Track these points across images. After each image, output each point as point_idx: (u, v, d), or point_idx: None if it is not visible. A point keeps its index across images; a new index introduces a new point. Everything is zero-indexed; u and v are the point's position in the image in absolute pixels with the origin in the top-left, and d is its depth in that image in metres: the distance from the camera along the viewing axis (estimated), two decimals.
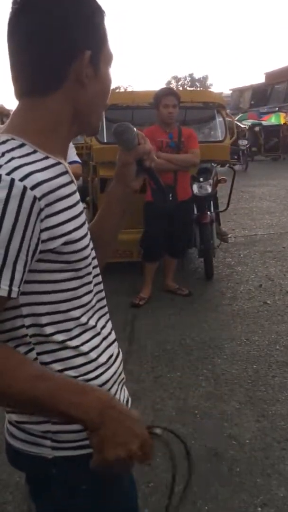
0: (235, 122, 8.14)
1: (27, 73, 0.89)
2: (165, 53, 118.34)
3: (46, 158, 0.87)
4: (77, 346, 0.93)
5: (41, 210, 0.81)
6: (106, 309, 1.05)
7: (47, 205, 0.82)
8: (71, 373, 0.92)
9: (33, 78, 0.89)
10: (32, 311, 0.88)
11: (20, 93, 0.91)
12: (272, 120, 19.06)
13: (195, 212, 4.60)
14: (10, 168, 0.79)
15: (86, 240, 0.93)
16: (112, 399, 0.89)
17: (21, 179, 0.79)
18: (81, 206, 0.94)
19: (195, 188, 4.57)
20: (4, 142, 0.85)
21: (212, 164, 5.04)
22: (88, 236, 0.96)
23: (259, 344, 3.47)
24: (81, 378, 0.93)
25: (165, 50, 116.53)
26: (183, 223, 4.24)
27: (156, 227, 4.12)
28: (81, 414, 0.82)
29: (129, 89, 28.84)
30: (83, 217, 0.94)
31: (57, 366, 0.91)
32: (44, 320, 0.89)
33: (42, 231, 0.82)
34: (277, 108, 19.74)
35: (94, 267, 0.99)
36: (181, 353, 3.36)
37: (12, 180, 0.78)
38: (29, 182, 0.79)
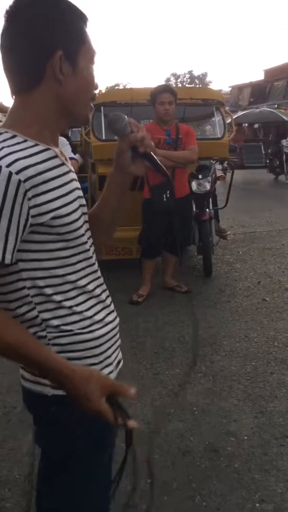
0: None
1: (13, 74, 1.05)
2: (164, 50, 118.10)
3: (36, 145, 1.01)
4: (71, 306, 1.08)
5: (27, 190, 0.95)
6: (102, 280, 1.19)
7: (33, 186, 0.96)
8: (68, 327, 1.08)
9: (18, 78, 1.05)
10: (31, 275, 1.03)
11: (12, 92, 1.07)
12: None
13: (194, 209, 4.60)
14: None
15: (76, 215, 1.07)
16: (65, 378, 1.01)
17: (8, 166, 0.93)
18: (73, 185, 1.08)
19: (194, 185, 4.57)
20: None
21: (211, 161, 5.04)
22: (79, 212, 1.09)
23: (257, 341, 3.48)
24: (77, 331, 1.08)
25: (164, 47, 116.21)
26: (181, 220, 4.24)
27: (154, 225, 4.12)
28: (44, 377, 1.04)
29: (128, 86, 28.77)
30: (74, 195, 1.07)
31: (55, 322, 1.06)
32: (41, 283, 1.04)
33: (30, 208, 0.97)
34: (276, 105, 19.71)
35: (88, 238, 1.13)
36: (180, 350, 3.37)
37: None
38: (14, 168, 0.94)
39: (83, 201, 1.13)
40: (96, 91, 1.13)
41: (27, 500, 2.04)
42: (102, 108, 4.63)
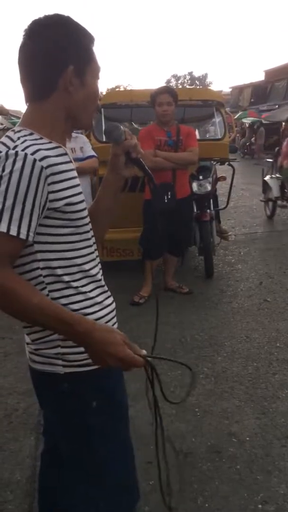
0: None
1: (29, 85, 1.20)
2: (164, 51, 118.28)
3: (50, 142, 1.16)
4: (77, 287, 1.21)
5: (47, 176, 1.09)
6: (98, 260, 1.31)
7: (52, 174, 1.11)
8: (74, 306, 1.20)
9: (32, 88, 1.19)
10: (45, 257, 1.16)
11: (27, 99, 1.22)
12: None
13: (195, 210, 4.60)
14: (24, 146, 1.09)
15: (82, 205, 1.21)
16: (93, 329, 1.12)
17: (32, 153, 1.08)
18: (77, 180, 1.21)
19: (194, 186, 4.56)
20: (19, 131, 1.16)
21: (212, 162, 5.04)
22: (84, 204, 1.22)
23: (259, 341, 3.47)
24: (81, 311, 1.20)
25: (165, 49, 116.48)
26: (182, 221, 4.24)
27: (155, 226, 4.11)
28: (70, 337, 1.14)
29: (128, 88, 28.81)
30: (79, 189, 1.21)
31: (63, 301, 1.18)
32: (54, 264, 1.17)
33: (50, 192, 1.10)
34: (277, 106, 19.71)
35: (91, 229, 1.26)
36: (181, 351, 3.36)
37: (26, 154, 1.07)
38: (38, 156, 1.08)
39: (84, 197, 1.25)
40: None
41: (29, 502, 2.04)
42: (102, 110, 4.63)
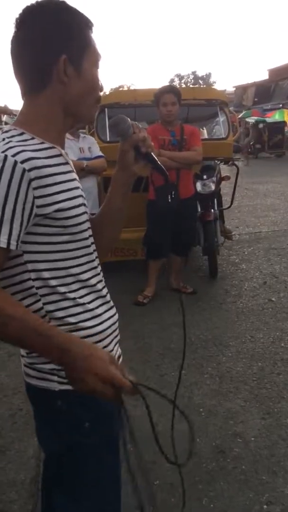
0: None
1: (22, 78, 1.12)
2: (168, 51, 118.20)
3: (42, 143, 1.07)
4: (74, 298, 1.11)
5: (31, 180, 0.99)
6: (101, 276, 1.21)
7: (38, 178, 1.01)
8: (71, 319, 1.10)
9: (26, 81, 1.11)
10: (36, 267, 1.06)
11: (22, 94, 1.13)
12: (276, 116, 18.99)
13: (199, 210, 4.59)
14: (5, 148, 1.00)
15: (78, 211, 1.10)
16: (70, 341, 0.99)
17: (13, 155, 0.98)
18: (75, 184, 1.12)
19: (198, 186, 4.55)
20: (7, 131, 1.07)
21: (215, 161, 5.02)
22: (82, 209, 1.13)
23: (264, 341, 3.46)
24: (79, 325, 1.11)
25: (168, 48, 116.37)
26: (186, 221, 4.23)
27: (159, 225, 4.11)
28: (46, 356, 1.02)
29: (132, 88, 28.81)
30: (76, 192, 1.11)
31: (59, 313, 1.09)
32: (46, 274, 1.07)
33: (36, 198, 1.00)
34: (280, 105, 19.67)
35: (90, 236, 1.17)
36: (186, 351, 3.34)
37: (5, 156, 0.98)
38: (19, 158, 0.99)
39: (84, 201, 1.16)
40: (101, 93, 1.18)
41: (33, 502, 2.04)
42: (106, 109, 4.63)
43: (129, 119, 1.18)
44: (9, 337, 0.99)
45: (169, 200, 3.96)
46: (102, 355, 1.00)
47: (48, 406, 1.15)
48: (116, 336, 1.23)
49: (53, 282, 1.07)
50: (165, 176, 1.24)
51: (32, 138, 1.06)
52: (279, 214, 7.69)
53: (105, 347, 1.16)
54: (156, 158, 1.21)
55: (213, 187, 4.63)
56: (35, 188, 1.00)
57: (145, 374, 3.05)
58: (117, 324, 1.24)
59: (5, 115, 11.55)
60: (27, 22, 1.08)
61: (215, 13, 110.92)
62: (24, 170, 0.98)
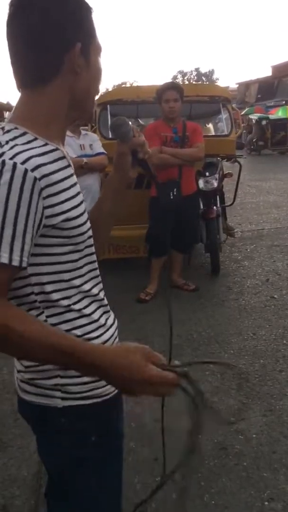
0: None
1: (27, 66, 1.00)
2: (171, 48, 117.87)
3: (45, 144, 0.98)
4: (80, 309, 1.05)
5: (42, 189, 0.92)
6: (99, 278, 1.15)
7: (47, 186, 0.93)
8: (77, 332, 1.04)
9: (33, 70, 0.99)
10: (39, 280, 0.99)
11: (22, 85, 1.02)
12: (279, 113, 18.90)
13: (201, 207, 4.59)
14: (12, 154, 0.90)
15: (83, 218, 1.03)
16: (99, 359, 0.93)
17: (22, 163, 0.89)
18: (77, 188, 1.04)
19: (201, 182, 4.54)
20: (8, 131, 0.96)
21: (218, 158, 5.01)
22: (85, 215, 1.06)
23: (266, 338, 3.46)
24: (85, 336, 1.05)
25: (171, 45, 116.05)
26: (188, 218, 4.23)
27: (161, 222, 4.11)
28: (87, 374, 0.97)
29: (134, 85, 28.74)
30: (79, 198, 1.04)
31: (64, 327, 1.03)
32: (49, 288, 1.00)
33: (45, 208, 0.93)
34: (284, 102, 19.58)
35: (92, 244, 1.11)
36: (188, 348, 3.36)
37: (15, 164, 0.88)
38: (29, 165, 0.90)
39: (85, 204, 1.10)
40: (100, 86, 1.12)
41: (35, 498, 2.05)
42: (108, 106, 4.63)
43: (130, 122, 1.16)
44: (40, 361, 0.97)
45: (171, 197, 3.96)
46: (134, 359, 0.92)
47: (49, 424, 1.08)
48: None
49: (56, 296, 1.01)
50: (156, 184, 1.26)
51: (35, 139, 0.96)
52: (282, 211, 7.67)
53: None
54: (151, 166, 1.20)
55: (215, 184, 4.62)
56: (44, 198, 0.92)
57: None
58: (117, 332, 1.19)
59: (7, 112, 11.57)
60: (32, 5, 0.96)
61: (218, 10, 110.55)
62: (35, 179, 0.90)
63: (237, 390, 2.82)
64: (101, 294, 1.14)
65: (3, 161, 0.88)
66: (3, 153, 0.89)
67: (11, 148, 0.91)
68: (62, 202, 0.96)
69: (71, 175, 1.03)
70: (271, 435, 2.41)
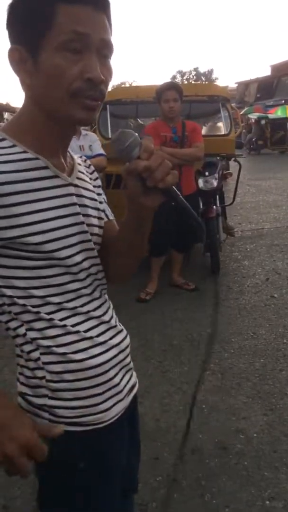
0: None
1: None
2: (169, 47, 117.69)
3: (23, 152, 0.91)
4: (65, 326, 0.96)
5: None
6: (101, 300, 1.07)
7: (0, 196, 0.86)
8: (61, 350, 0.96)
9: None
10: (10, 293, 0.93)
11: None
12: (278, 113, 18.89)
13: (201, 206, 4.59)
14: None
15: (60, 233, 0.93)
16: None
17: None
18: (56, 201, 0.94)
19: (200, 182, 4.54)
20: None
21: (218, 158, 5.02)
22: (75, 228, 0.96)
23: (266, 338, 3.46)
24: (70, 355, 0.96)
25: (170, 45, 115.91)
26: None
27: (162, 222, 4.10)
28: None
29: (134, 84, 28.71)
30: (57, 212, 0.93)
31: (46, 343, 0.95)
32: (21, 301, 0.93)
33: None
34: (283, 101, 19.56)
35: (84, 259, 1.00)
36: (188, 347, 3.36)
37: None
38: None
39: (81, 218, 0.99)
40: (89, 75, 0.87)
41: (36, 499, 2.05)
42: (108, 106, 4.63)
43: (136, 134, 0.89)
44: None
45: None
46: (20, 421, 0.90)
47: None
48: (125, 366, 1.09)
49: (32, 310, 0.94)
50: (198, 224, 0.97)
51: (13, 146, 0.90)
52: (282, 211, 7.67)
53: (110, 379, 1.03)
54: (178, 193, 0.90)
55: (215, 183, 4.62)
56: None
57: (148, 371, 3.06)
58: (127, 350, 1.10)
59: (6, 113, 11.56)
60: None
61: (217, 9, 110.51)
62: None
63: (238, 390, 2.82)
64: (99, 312, 1.04)
65: None
66: None
67: None
68: (23, 214, 0.88)
69: (50, 187, 0.93)
70: (272, 434, 2.41)
